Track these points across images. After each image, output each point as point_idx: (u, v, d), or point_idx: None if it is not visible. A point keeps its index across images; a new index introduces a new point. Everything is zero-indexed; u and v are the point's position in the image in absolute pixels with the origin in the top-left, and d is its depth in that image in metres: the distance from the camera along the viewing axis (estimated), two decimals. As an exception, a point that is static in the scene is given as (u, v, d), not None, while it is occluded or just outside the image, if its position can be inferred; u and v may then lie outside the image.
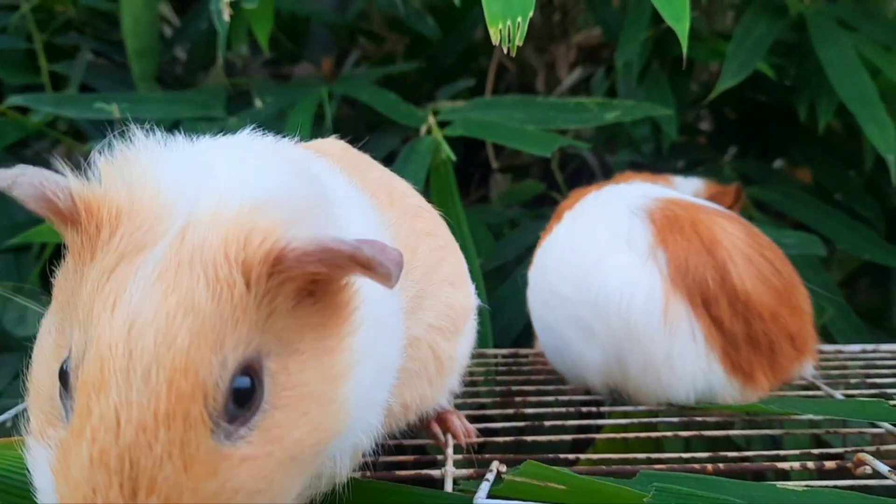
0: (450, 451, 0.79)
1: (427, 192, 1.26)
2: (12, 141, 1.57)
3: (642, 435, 0.91)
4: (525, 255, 1.34)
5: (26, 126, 1.59)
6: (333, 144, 0.82)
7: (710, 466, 0.75)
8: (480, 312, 0.89)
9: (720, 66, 1.55)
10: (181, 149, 0.57)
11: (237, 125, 0.67)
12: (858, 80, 1.44)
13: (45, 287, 0.58)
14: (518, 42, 0.87)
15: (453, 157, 1.38)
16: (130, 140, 0.55)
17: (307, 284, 0.51)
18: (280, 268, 0.48)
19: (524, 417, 0.98)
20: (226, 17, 1.29)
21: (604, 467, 0.77)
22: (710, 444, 1.02)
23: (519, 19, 0.87)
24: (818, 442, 1.06)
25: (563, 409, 0.97)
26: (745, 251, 0.95)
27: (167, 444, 0.44)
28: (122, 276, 0.48)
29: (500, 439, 0.86)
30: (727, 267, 0.93)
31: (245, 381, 0.47)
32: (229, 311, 0.47)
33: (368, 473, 0.67)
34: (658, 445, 0.99)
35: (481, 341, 0.99)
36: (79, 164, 0.53)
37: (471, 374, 1.03)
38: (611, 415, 1.01)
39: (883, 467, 0.71)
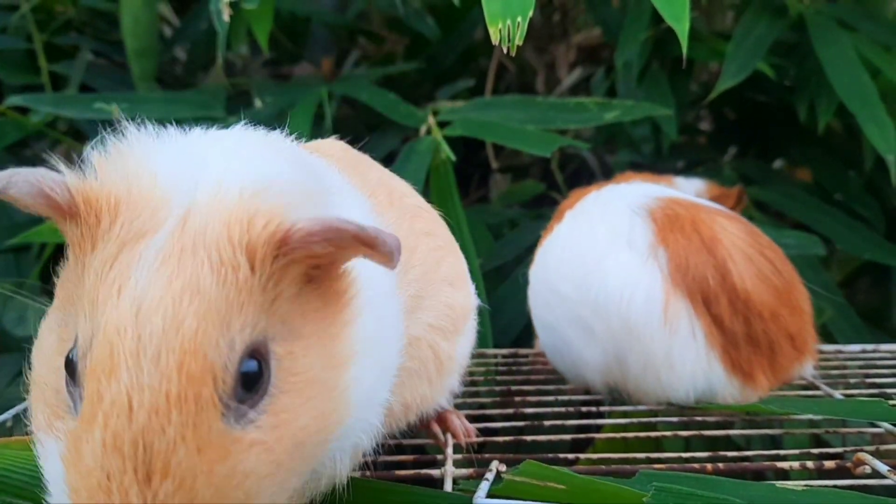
0: (449, 450, 0.80)
1: (427, 192, 1.26)
2: (12, 141, 1.57)
3: (642, 434, 0.91)
4: (525, 255, 1.34)
5: (26, 126, 1.59)
6: (333, 145, 0.83)
7: (709, 466, 0.76)
8: (480, 312, 0.89)
9: (720, 66, 1.55)
10: (174, 140, 0.57)
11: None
12: (858, 80, 1.44)
13: (46, 287, 0.58)
14: (518, 42, 0.87)
15: (453, 158, 1.38)
16: (123, 135, 0.55)
17: (310, 269, 0.51)
18: (285, 249, 0.49)
19: (524, 417, 0.98)
20: (225, 17, 1.29)
21: (603, 467, 0.77)
22: (710, 443, 1.01)
23: (519, 19, 0.87)
24: (818, 442, 1.05)
25: (562, 409, 0.97)
26: (746, 250, 0.95)
27: (180, 426, 0.44)
28: (125, 262, 0.48)
29: (500, 439, 0.86)
30: (727, 266, 0.93)
31: (252, 365, 0.47)
32: (234, 294, 0.47)
33: (368, 473, 0.67)
34: (658, 445, 0.99)
35: (481, 341, 1.00)
36: (76, 163, 0.53)
37: (471, 374, 1.03)
38: (610, 414, 1.01)
39: (882, 467, 0.71)
